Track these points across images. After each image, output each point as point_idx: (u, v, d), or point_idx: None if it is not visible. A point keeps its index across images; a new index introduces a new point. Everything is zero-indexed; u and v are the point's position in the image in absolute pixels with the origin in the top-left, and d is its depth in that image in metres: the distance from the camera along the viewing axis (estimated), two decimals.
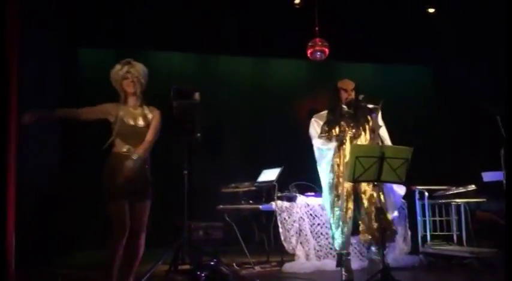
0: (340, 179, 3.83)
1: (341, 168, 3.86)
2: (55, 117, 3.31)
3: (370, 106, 3.88)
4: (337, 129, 3.89)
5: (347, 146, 3.85)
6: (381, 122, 3.91)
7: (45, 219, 5.02)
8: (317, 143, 4.01)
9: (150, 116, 3.31)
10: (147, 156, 3.27)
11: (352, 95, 3.91)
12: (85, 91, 6.55)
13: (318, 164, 4.11)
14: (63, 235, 5.65)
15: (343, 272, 3.79)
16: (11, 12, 3.28)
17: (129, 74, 3.31)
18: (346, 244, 3.85)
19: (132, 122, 3.25)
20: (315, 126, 4.02)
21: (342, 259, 3.86)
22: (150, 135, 3.25)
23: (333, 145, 3.92)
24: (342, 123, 3.89)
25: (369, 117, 3.89)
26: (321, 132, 3.94)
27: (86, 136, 6.20)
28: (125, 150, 3.18)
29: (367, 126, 3.87)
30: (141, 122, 3.27)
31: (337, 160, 3.89)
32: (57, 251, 5.37)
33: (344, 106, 3.93)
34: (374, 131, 3.65)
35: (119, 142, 3.23)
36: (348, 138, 3.86)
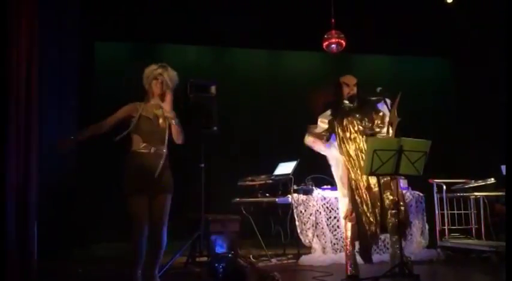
0: (352, 174, 3.79)
1: (352, 162, 3.81)
2: (84, 138, 3.32)
3: (374, 98, 3.85)
4: (343, 124, 3.83)
5: (357, 140, 3.79)
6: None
7: (63, 213, 5.10)
8: (307, 142, 4.00)
9: (170, 115, 3.36)
10: (167, 152, 3.32)
11: (354, 90, 3.88)
12: (101, 83, 6.63)
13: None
14: (81, 228, 5.74)
15: (349, 267, 3.77)
16: (30, 6, 3.34)
17: (161, 76, 3.39)
18: (352, 239, 3.81)
19: (152, 121, 3.32)
20: (318, 129, 3.98)
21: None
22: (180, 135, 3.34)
23: (323, 148, 3.90)
24: (349, 118, 3.84)
25: (378, 108, 3.84)
26: (322, 133, 3.91)
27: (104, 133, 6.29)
28: (142, 148, 3.26)
29: (375, 118, 3.82)
30: (161, 122, 3.33)
31: (342, 155, 3.86)
32: (76, 243, 5.46)
33: (346, 101, 3.90)
34: (392, 124, 3.61)
35: (137, 139, 3.30)
36: (358, 132, 3.80)
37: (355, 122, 3.82)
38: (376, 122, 3.82)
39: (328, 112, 3.94)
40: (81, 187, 5.90)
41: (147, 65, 3.50)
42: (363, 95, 3.89)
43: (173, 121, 3.29)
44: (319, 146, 3.96)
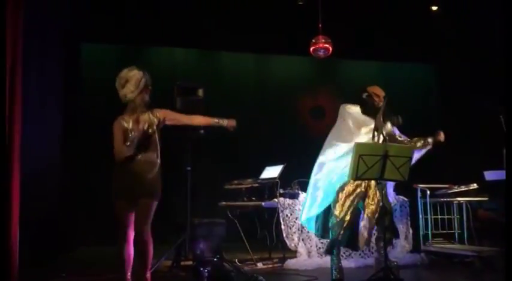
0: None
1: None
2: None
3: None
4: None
5: None
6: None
7: (48, 216, 5.02)
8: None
9: (154, 119, 3.32)
10: (158, 159, 3.29)
11: (382, 103, 3.87)
12: (87, 85, 6.57)
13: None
14: (66, 232, 5.67)
15: (334, 271, 3.80)
16: (14, 5, 3.29)
17: (147, 83, 3.35)
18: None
19: (144, 128, 3.25)
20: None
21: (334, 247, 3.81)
22: (188, 118, 3.47)
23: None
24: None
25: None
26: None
27: (87, 135, 6.24)
28: (131, 153, 3.21)
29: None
30: (148, 127, 3.27)
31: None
32: (61, 248, 5.39)
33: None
34: (377, 129, 3.65)
35: (125, 146, 3.24)
36: None
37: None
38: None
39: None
40: (66, 190, 5.83)
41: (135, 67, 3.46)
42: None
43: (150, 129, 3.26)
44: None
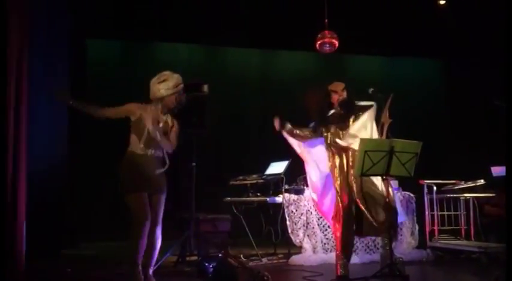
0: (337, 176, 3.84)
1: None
2: (78, 109, 3.36)
3: (363, 103, 3.86)
4: (331, 130, 3.89)
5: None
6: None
7: (52, 212, 5.05)
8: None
9: (171, 123, 3.44)
10: (167, 158, 3.38)
11: (343, 94, 3.92)
12: (93, 80, 6.58)
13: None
14: (70, 227, 5.70)
15: (339, 267, 3.79)
16: (21, 4, 3.30)
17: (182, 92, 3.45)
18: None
19: (152, 125, 3.32)
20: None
21: None
22: (173, 141, 3.41)
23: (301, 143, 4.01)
24: (337, 125, 3.88)
25: (360, 114, 3.86)
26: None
27: (93, 129, 6.25)
28: (139, 151, 3.30)
29: (350, 123, 3.86)
30: (160, 127, 3.36)
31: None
32: (65, 243, 5.42)
33: (338, 108, 3.92)
34: (383, 125, 3.63)
35: (135, 140, 3.33)
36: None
37: (340, 132, 3.84)
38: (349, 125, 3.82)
39: (312, 124, 3.99)
40: (71, 186, 5.86)
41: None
42: (353, 99, 3.88)
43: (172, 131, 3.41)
44: (298, 141, 4.04)
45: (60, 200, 5.36)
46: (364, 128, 3.71)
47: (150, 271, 3.33)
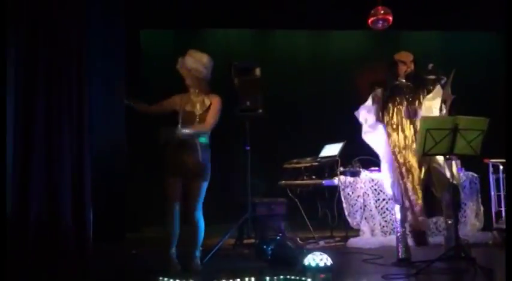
0: (398, 154, 3.68)
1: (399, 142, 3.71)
2: (139, 110, 3.76)
3: (432, 77, 3.65)
4: (391, 106, 3.71)
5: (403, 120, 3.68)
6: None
7: (116, 198, 5.23)
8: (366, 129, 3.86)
9: (208, 102, 3.50)
10: (206, 141, 3.46)
11: (412, 67, 3.72)
12: (147, 70, 6.73)
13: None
14: (132, 212, 5.89)
15: (400, 250, 3.68)
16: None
17: (181, 69, 3.54)
18: (402, 222, 3.71)
19: (190, 109, 3.49)
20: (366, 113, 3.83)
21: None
22: (207, 119, 3.45)
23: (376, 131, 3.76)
24: (397, 98, 3.70)
25: (431, 88, 3.66)
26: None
27: (148, 118, 6.40)
28: (177, 137, 3.41)
29: (421, 97, 3.66)
30: (198, 109, 3.48)
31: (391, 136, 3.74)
32: (128, 227, 5.62)
33: (403, 80, 3.74)
34: (445, 102, 3.46)
35: (180, 126, 3.43)
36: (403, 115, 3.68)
37: (405, 102, 3.68)
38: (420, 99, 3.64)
39: (379, 91, 3.79)
40: (133, 171, 6.04)
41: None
42: (420, 72, 3.70)
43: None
44: (370, 117, 3.78)
45: (122, 186, 5.54)
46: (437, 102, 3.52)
47: (196, 253, 3.45)
